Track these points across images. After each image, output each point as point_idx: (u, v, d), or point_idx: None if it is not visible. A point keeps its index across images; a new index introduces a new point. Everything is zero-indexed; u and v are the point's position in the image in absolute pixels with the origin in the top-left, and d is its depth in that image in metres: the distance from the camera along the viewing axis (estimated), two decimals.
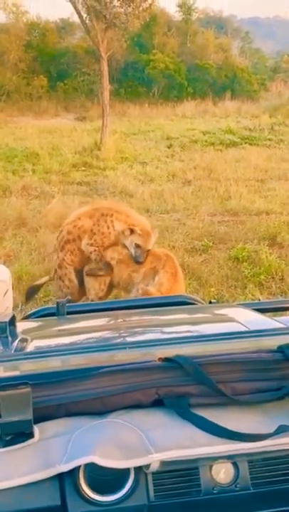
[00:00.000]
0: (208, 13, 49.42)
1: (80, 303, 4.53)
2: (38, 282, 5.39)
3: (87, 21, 15.08)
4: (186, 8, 34.32)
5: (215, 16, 51.16)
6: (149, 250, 4.48)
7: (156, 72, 28.29)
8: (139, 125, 19.85)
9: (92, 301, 4.72)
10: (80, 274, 4.91)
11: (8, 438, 1.17)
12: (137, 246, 4.44)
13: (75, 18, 21.66)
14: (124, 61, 27.80)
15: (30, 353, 1.69)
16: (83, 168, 12.42)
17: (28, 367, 1.53)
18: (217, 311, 2.60)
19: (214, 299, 4.88)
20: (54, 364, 1.54)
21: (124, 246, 4.58)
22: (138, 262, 4.47)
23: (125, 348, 1.66)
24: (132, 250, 4.49)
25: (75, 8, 14.76)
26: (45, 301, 5.35)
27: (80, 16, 15.02)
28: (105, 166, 12.51)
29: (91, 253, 4.69)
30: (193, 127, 19.02)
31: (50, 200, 9.33)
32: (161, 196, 9.86)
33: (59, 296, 4.90)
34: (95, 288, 4.78)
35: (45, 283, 5.41)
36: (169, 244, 7.10)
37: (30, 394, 1.16)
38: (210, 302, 3.27)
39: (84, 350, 1.66)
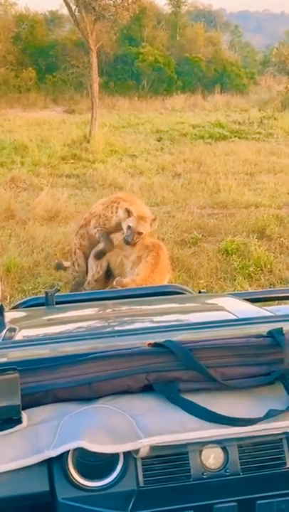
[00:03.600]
0: (197, 7, 49.29)
1: (68, 293, 4.54)
2: (64, 262, 5.60)
3: (76, 13, 14.97)
4: (175, 1, 34.20)
5: (204, 9, 51.08)
6: (141, 233, 4.49)
7: (145, 65, 28.19)
8: (129, 118, 19.77)
9: (88, 282, 4.88)
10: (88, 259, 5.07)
11: None
12: (129, 227, 4.49)
13: (64, 11, 21.60)
14: (114, 54, 27.65)
15: (18, 342, 1.68)
16: (72, 161, 12.35)
17: (16, 354, 1.51)
18: (207, 301, 2.60)
19: (203, 290, 4.89)
20: (42, 352, 1.53)
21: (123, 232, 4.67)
22: (127, 242, 4.52)
23: (114, 336, 1.65)
24: (125, 231, 4.55)
25: None
26: (34, 293, 5.32)
27: (69, 8, 14.90)
28: (94, 159, 12.44)
29: (95, 234, 4.82)
30: (182, 121, 18.98)
31: (38, 192, 9.25)
32: (151, 189, 9.84)
33: (70, 280, 5.14)
34: (92, 269, 4.90)
35: (68, 267, 5.51)
36: (159, 236, 7.07)
37: (19, 380, 1.15)
38: (199, 292, 3.27)
39: (73, 338, 1.64)
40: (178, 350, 1.26)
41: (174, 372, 1.25)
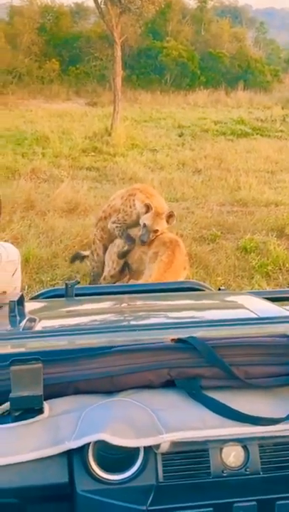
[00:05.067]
0: (223, 2, 48.88)
1: (88, 285, 4.55)
2: (82, 252, 5.73)
3: (102, 5, 14.97)
4: None
5: (230, 5, 50.64)
6: (157, 231, 4.46)
7: (169, 59, 28.08)
8: (151, 112, 19.76)
9: (104, 278, 4.92)
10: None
11: (17, 413, 1.16)
12: (144, 226, 4.46)
13: (90, 3, 21.65)
14: (138, 47, 27.60)
15: (39, 332, 1.68)
16: (93, 154, 12.38)
17: (38, 345, 1.52)
18: (226, 298, 2.59)
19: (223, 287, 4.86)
20: (63, 343, 1.53)
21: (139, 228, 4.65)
22: (142, 242, 4.49)
23: (135, 330, 1.65)
24: (140, 229, 4.54)
25: None
26: (52, 284, 5.35)
27: (95, 0, 14.90)
28: (115, 152, 12.45)
29: (114, 230, 4.81)
30: (204, 116, 18.92)
31: (58, 184, 9.28)
32: (171, 184, 9.82)
33: (88, 272, 5.27)
34: (108, 265, 4.93)
35: (87, 256, 5.57)
36: (178, 232, 7.05)
37: (42, 370, 1.15)
38: (219, 289, 3.26)
39: (94, 331, 1.64)
40: (201, 346, 1.26)
41: (196, 368, 1.25)
